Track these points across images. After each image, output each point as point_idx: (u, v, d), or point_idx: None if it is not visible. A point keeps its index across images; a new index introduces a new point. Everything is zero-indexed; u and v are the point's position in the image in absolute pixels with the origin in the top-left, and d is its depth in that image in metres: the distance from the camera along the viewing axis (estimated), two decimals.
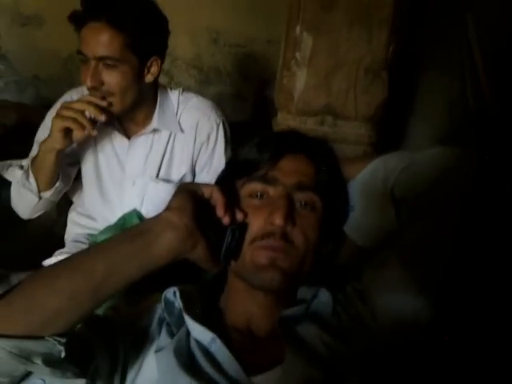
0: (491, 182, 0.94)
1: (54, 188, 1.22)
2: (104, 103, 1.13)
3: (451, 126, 1.58)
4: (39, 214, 1.28)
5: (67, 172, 1.27)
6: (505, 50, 1.47)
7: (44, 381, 0.57)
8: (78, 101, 1.15)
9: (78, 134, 1.13)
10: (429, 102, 1.75)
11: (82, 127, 1.11)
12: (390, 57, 1.44)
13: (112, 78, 1.13)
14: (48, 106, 1.34)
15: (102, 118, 1.13)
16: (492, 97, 1.46)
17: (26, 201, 1.23)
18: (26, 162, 1.23)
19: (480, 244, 0.89)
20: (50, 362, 0.54)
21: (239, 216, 0.70)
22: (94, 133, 1.14)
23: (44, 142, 1.16)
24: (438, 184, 0.96)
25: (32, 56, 2.38)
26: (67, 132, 1.13)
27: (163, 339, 0.68)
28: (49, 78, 2.39)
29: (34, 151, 1.28)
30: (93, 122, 1.13)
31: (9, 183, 1.25)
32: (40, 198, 1.22)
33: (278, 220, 0.67)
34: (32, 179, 1.20)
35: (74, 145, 1.23)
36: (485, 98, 1.46)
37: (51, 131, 1.14)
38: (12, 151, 1.31)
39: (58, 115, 1.13)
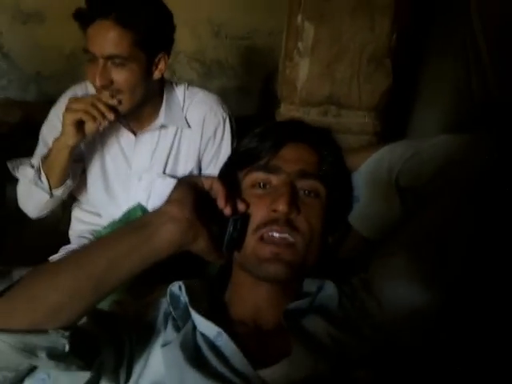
0: (501, 169, 0.92)
1: (64, 185, 1.22)
2: (114, 102, 1.12)
3: (458, 113, 1.56)
4: (47, 212, 1.27)
5: (74, 169, 1.27)
6: (510, 37, 1.45)
7: (48, 375, 0.57)
8: (88, 97, 1.14)
9: (90, 127, 1.12)
10: (435, 89, 1.73)
11: (94, 118, 1.10)
12: (393, 44, 1.42)
13: (121, 77, 1.12)
14: (51, 103, 1.33)
15: (111, 116, 1.12)
16: (496, 85, 1.44)
17: (37, 199, 1.23)
18: (36, 161, 1.22)
19: (490, 236, 0.87)
20: (54, 355, 0.54)
21: (241, 207, 0.69)
22: (106, 124, 1.13)
23: (56, 140, 1.15)
24: (445, 173, 0.95)
25: (34, 53, 2.37)
26: (79, 126, 1.12)
27: (169, 333, 0.67)
28: (51, 75, 2.39)
29: (40, 148, 1.27)
30: (103, 114, 1.11)
31: (15, 181, 1.25)
32: (51, 195, 1.21)
33: (282, 206, 0.67)
34: (44, 177, 1.19)
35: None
36: (489, 85, 1.44)
37: (63, 127, 1.12)
38: (17, 149, 1.31)
39: (68, 109, 1.11)
